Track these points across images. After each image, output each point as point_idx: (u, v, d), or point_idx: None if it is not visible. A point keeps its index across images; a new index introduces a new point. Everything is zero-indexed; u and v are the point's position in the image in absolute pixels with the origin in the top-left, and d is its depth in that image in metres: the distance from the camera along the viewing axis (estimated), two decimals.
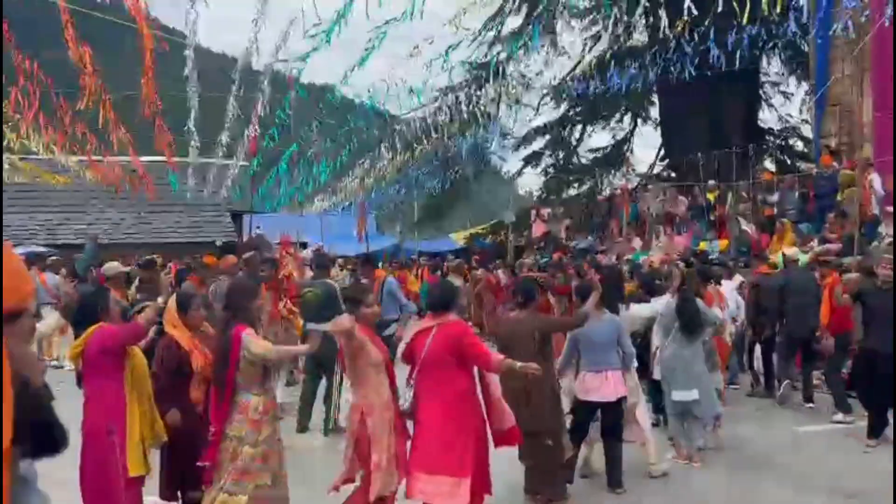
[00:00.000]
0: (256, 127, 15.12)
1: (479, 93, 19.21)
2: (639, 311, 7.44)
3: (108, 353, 4.42)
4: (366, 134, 18.38)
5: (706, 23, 11.59)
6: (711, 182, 17.83)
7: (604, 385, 5.86)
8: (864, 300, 7.48)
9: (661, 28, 11.74)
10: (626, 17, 17.00)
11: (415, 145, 18.06)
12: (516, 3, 23.77)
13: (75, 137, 13.59)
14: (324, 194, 22.51)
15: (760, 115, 24.75)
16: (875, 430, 7.29)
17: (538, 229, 21.68)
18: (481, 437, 4.70)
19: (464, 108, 18.24)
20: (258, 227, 23.63)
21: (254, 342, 4.52)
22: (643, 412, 6.53)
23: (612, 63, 16.39)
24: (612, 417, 5.96)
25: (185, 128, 13.98)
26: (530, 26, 20.13)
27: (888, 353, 6.89)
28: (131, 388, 4.47)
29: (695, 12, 10.08)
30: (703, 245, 15.31)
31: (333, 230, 24.67)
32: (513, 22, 24.45)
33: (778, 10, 11.00)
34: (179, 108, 14.13)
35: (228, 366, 4.50)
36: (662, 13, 12.25)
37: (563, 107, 26.28)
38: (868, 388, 7.46)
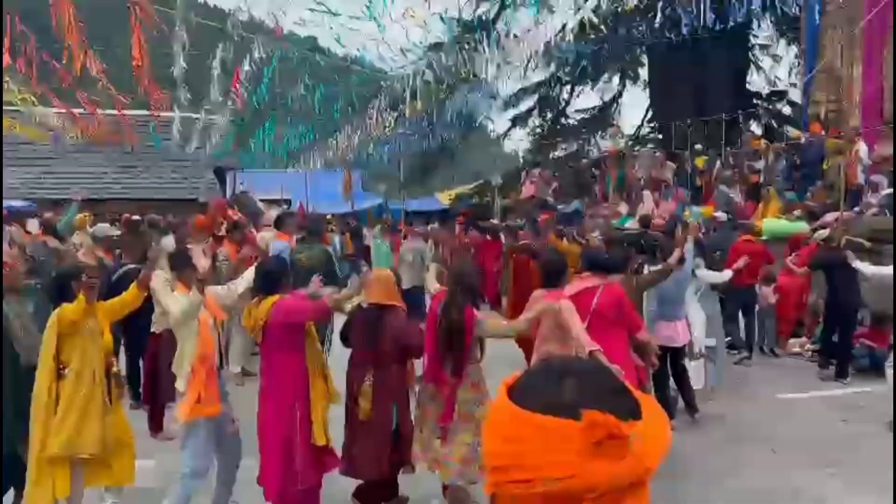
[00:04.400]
0: (241, 81, 14.85)
1: (466, 50, 18.94)
2: (707, 275, 8.01)
3: (293, 328, 4.45)
4: (353, 89, 18.13)
5: None
6: (698, 146, 17.82)
7: (674, 333, 6.93)
8: (827, 267, 8.82)
9: None
10: None
11: (401, 105, 17.85)
12: None
13: (59, 91, 13.26)
14: (310, 152, 22.26)
15: (749, 77, 24.68)
16: (843, 372, 8.73)
17: (527, 191, 21.63)
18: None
19: (451, 66, 17.99)
20: (242, 184, 23.41)
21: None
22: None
23: (604, 22, 16.17)
24: (679, 359, 7.11)
25: (171, 79, 13.69)
26: None
27: (856, 303, 8.77)
28: (311, 360, 4.54)
29: None
30: (687, 212, 15.36)
31: (318, 188, 24.50)
32: None
33: None
34: (163, 60, 13.85)
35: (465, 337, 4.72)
36: None
37: (552, 67, 26.03)
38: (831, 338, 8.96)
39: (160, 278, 5.10)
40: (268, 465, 4.53)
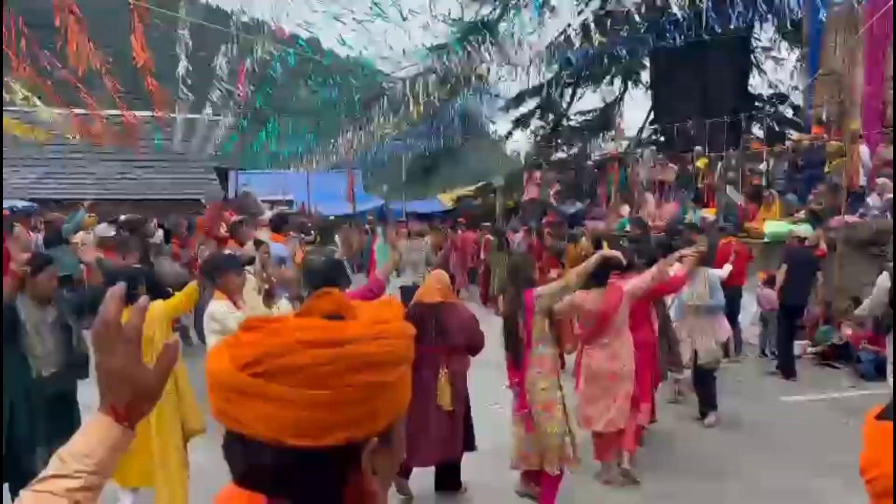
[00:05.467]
0: (245, 82, 14.89)
1: (469, 51, 18.96)
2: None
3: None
4: (356, 91, 18.16)
5: None
6: (698, 148, 17.83)
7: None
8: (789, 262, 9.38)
9: None
10: None
11: (403, 108, 17.88)
12: None
13: (63, 91, 13.27)
14: (312, 154, 22.29)
15: (751, 80, 24.69)
16: (789, 371, 9.21)
17: (530, 193, 21.66)
18: None
19: (454, 68, 18.02)
20: (244, 185, 23.44)
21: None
22: None
23: (607, 24, 16.22)
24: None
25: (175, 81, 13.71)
26: None
27: (802, 305, 9.56)
28: None
29: None
30: (689, 214, 15.38)
31: (320, 189, 24.53)
32: None
33: None
34: (167, 61, 13.88)
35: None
36: None
37: (554, 68, 26.03)
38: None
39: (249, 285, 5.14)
40: None
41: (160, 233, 10.96)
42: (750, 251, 10.52)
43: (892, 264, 7.65)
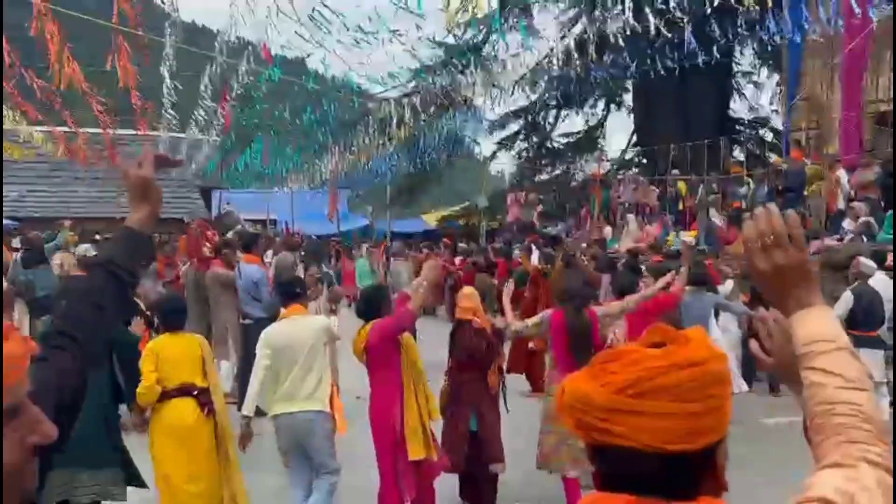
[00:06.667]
0: (229, 101, 14.89)
1: (453, 73, 19.13)
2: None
3: (387, 344, 4.64)
4: (341, 112, 18.22)
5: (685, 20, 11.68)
6: (675, 171, 18.04)
7: None
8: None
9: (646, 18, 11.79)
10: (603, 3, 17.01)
11: (388, 129, 17.95)
12: None
13: (48, 111, 13.22)
14: (297, 174, 22.27)
15: (732, 104, 25.05)
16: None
17: (513, 214, 21.77)
18: None
19: (438, 90, 18.15)
20: (227, 204, 23.34)
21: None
22: None
23: (590, 49, 16.38)
24: None
25: (160, 103, 13.72)
26: (507, 9, 20.07)
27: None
28: (407, 373, 4.68)
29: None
30: (671, 236, 15.52)
31: (304, 208, 24.49)
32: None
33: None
34: (152, 79, 13.87)
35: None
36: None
37: (539, 90, 26.27)
38: None
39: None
40: (382, 483, 4.74)
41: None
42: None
43: (855, 285, 7.75)
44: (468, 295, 5.59)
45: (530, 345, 8.72)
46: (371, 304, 4.89)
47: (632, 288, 6.54)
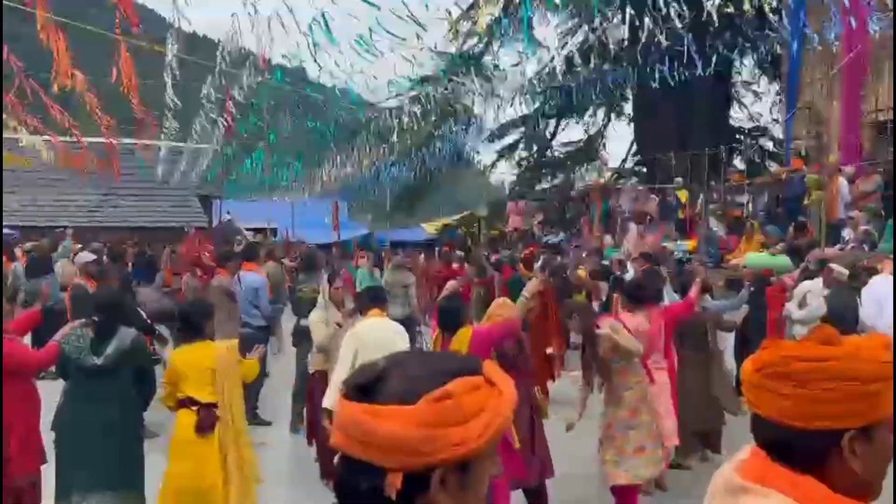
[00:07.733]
0: (231, 110, 14.91)
1: (454, 82, 19.16)
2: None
3: (487, 346, 4.72)
4: (342, 120, 18.24)
5: (683, 26, 11.71)
6: (679, 179, 18.03)
7: None
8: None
9: (643, 27, 11.82)
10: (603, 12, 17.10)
11: (389, 137, 17.98)
12: None
13: (50, 122, 13.25)
14: (298, 182, 22.30)
15: (731, 113, 25.08)
16: None
17: (513, 223, 21.78)
18: None
19: (438, 99, 18.20)
20: (228, 213, 23.36)
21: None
22: None
23: (590, 58, 16.48)
24: None
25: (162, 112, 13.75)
26: (507, 19, 20.13)
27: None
28: None
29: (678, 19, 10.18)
30: (670, 245, 15.50)
31: (304, 217, 24.51)
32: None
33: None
34: (151, 89, 13.89)
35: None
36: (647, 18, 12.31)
37: (539, 100, 26.33)
38: None
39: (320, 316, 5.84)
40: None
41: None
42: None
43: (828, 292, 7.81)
44: (500, 304, 5.67)
45: (548, 350, 8.63)
46: (454, 316, 5.01)
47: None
